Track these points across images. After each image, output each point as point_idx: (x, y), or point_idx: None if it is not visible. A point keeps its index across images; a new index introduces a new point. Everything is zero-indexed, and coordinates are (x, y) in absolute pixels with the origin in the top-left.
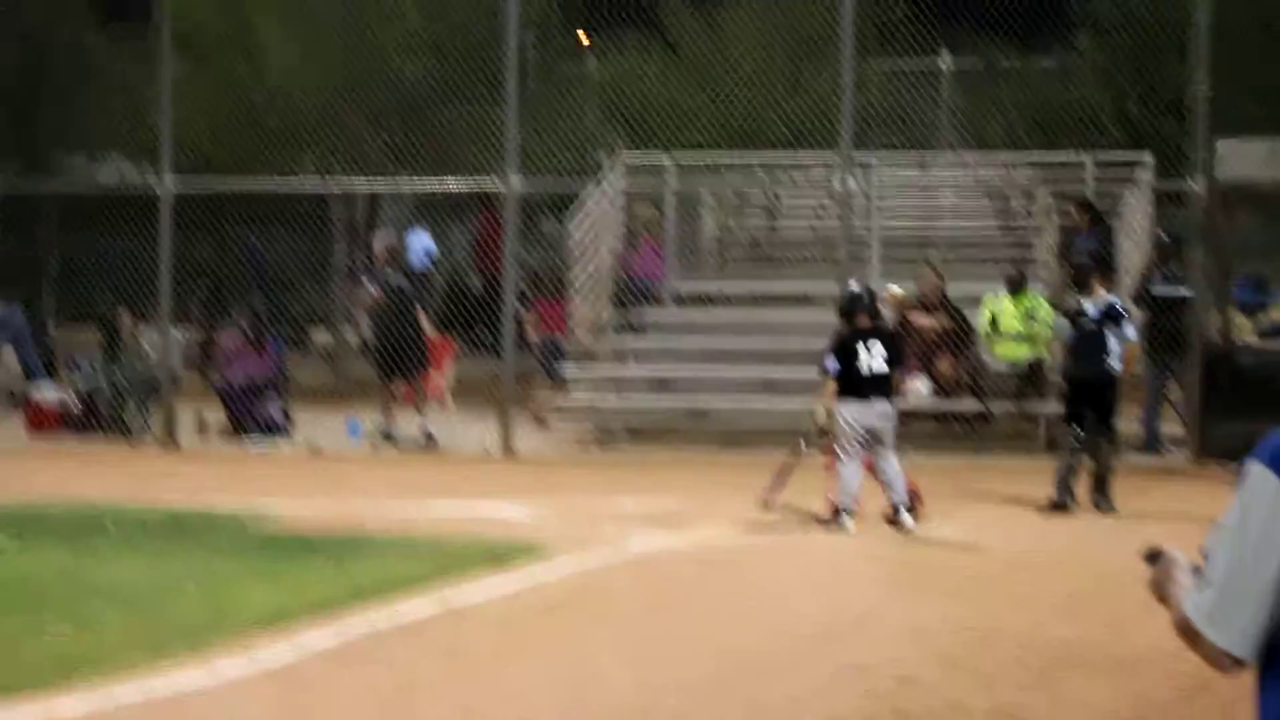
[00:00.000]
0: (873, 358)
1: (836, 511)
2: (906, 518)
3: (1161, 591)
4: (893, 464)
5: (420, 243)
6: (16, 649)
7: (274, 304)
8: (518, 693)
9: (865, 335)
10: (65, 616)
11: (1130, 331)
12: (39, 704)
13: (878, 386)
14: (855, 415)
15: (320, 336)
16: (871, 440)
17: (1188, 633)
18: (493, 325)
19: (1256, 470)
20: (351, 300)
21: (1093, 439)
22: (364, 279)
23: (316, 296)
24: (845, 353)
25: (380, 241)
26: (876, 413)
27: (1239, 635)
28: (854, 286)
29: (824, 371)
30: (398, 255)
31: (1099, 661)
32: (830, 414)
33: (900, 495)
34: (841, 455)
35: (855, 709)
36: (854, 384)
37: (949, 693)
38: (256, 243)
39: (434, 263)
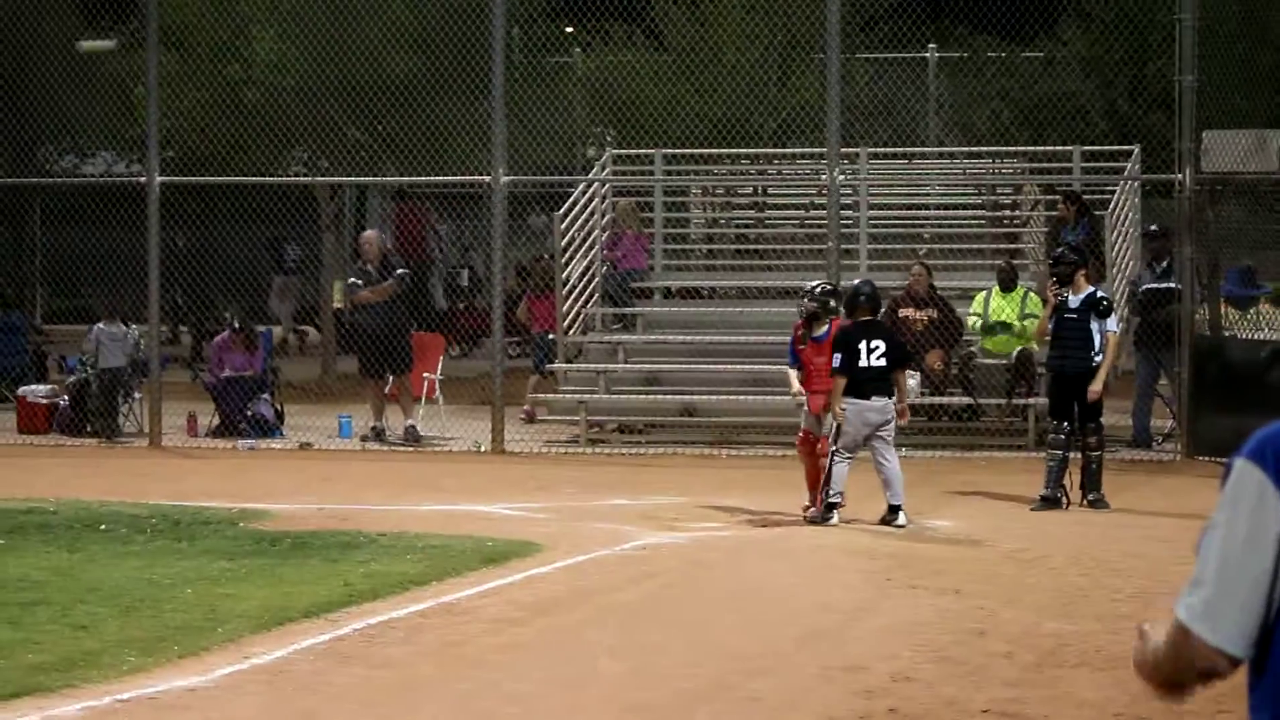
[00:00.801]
0: (873, 353)
1: (827, 506)
2: (902, 517)
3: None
4: (892, 462)
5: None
6: (13, 650)
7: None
8: (514, 692)
9: (867, 331)
10: (60, 617)
11: (1112, 324)
12: (36, 705)
13: (878, 383)
14: (856, 413)
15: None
16: (871, 438)
17: (1176, 648)
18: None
19: (1241, 466)
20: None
21: (1079, 433)
22: (352, 275)
23: (308, 291)
24: (847, 348)
25: (369, 236)
26: (877, 410)
27: (1233, 632)
28: (855, 282)
29: (830, 372)
30: (387, 252)
31: (1093, 657)
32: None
33: (897, 495)
34: (837, 452)
35: (851, 706)
36: (855, 381)
37: (944, 689)
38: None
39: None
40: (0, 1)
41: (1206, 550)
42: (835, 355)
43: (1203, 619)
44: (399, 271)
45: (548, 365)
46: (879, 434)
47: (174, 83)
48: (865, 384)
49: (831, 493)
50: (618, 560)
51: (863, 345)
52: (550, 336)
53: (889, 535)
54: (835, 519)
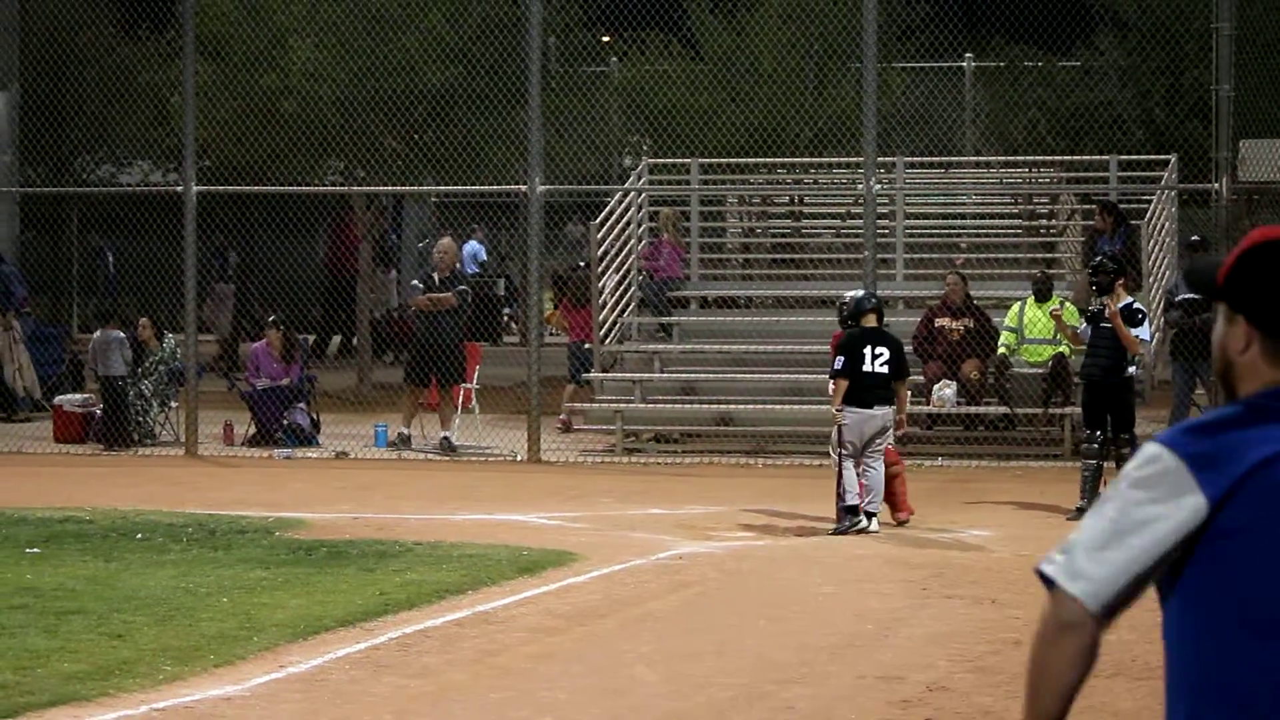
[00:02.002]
0: (877, 359)
1: (848, 510)
2: (874, 524)
3: None
4: (878, 470)
5: (469, 250)
6: (49, 659)
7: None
8: (550, 701)
9: (871, 337)
10: (96, 626)
11: (1144, 332)
12: (72, 714)
13: (878, 391)
14: (856, 421)
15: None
16: (867, 445)
17: (1042, 617)
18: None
19: (1151, 449)
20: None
21: (1114, 443)
22: (415, 281)
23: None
24: (850, 352)
25: (446, 245)
26: (879, 419)
27: (1094, 586)
28: (861, 290)
29: (832, 374)
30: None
31: (1129, 666)
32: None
33: (875, 503)
34: (836, 459)
35: (886, 716)
36: (857, 387)
37: (980, 699)
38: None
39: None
40: (37, 13)
41: (1086, 519)
42: (837, 358)
43: (1066, 571)
44: (461, 288)
45: (584, 375)
46: (875, 443)
47: (210, 92)
48: (867, 391)
49: (847, 498)
50: (653, 569)
51: (867, 351)
52: (586, 346)
53: (925, 545)
54: (863, 520)
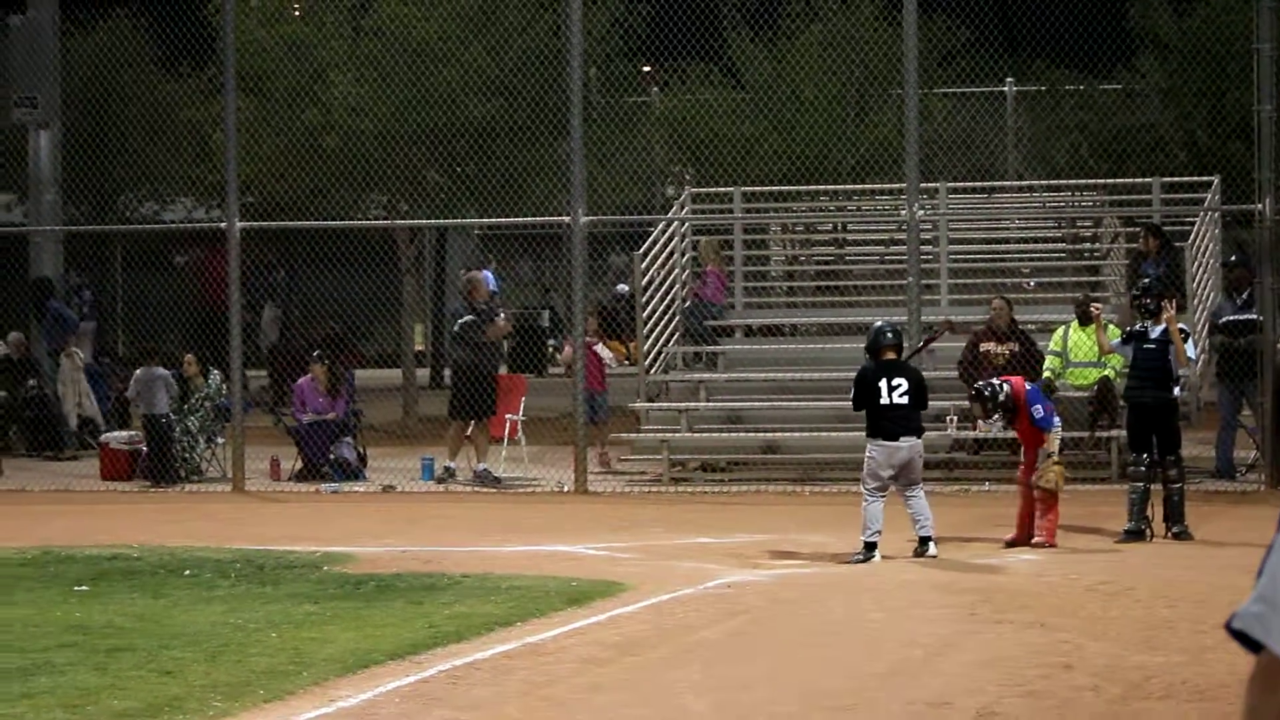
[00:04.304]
0: (895, 390)
1: (866, 546)
2: (932, 548)
3: None
4: (919, 499)
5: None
6: (99, 696)
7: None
8: None
9: (888, 370)
10: (146, 663)
11: (1191, 352)
12: None
13: (902, 422)
14: (880, 455)
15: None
16: (897, 478)
17: (1255, 677)
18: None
19: None
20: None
21: (1161, 465)
22: (465, 317)
23: (388, 333)
24: (865, 387)
25: (472, 279)
26: (904, 451)
27: None
28: (878, 322)
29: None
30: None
31: (1179, 689)
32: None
33: (926, 528)
34: (864, 491)
35: None
36: (878, 420)
37: None
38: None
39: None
40: (79, 51)
41: (1272, 567)
42: (853, 393)
43: (1264, 628)
44: (504, 313)
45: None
46: (906, 474)
47: (252, 128)
48: (890, 423)
49: (868, 532)
50: (702, 598)
51: (883, 384)
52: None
53: (973, 570)
54: (877, 557)
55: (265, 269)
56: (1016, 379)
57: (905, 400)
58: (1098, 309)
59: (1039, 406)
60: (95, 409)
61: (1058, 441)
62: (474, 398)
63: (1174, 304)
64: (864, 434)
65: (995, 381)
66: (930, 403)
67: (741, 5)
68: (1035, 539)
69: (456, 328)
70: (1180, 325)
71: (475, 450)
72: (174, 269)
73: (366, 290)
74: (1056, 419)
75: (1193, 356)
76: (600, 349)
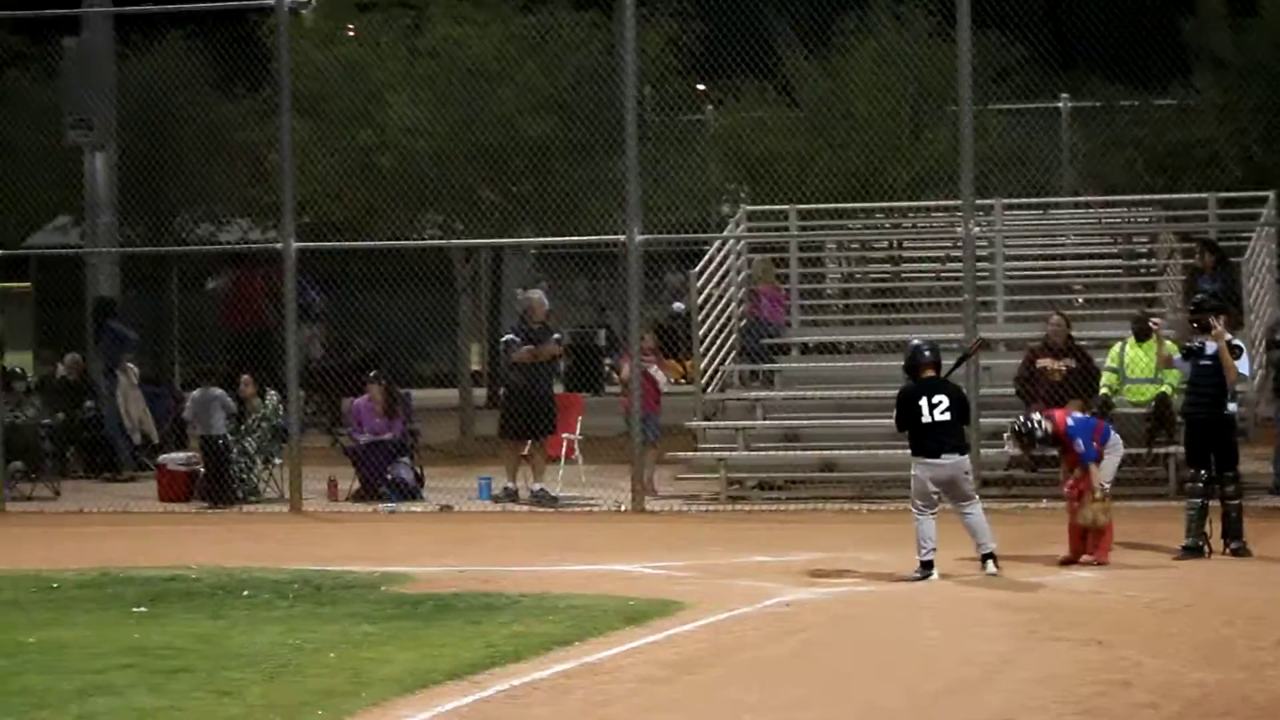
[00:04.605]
0: (936, 408)
1: (923, 565)
2: (991, 566)
3: None
4: (974, 513)
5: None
6: (157, 718)
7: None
8: None
9: (929, 388)
10: (204, 684)
11: (1244, 367)
12: None
13: (945, 439)
14: (924, 473)
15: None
16: (945, 495)
17: None
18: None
19: None
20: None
21: (1218, 481)
22: (511, 335)
23: (444, 354)
24: (907, 407)
25: (529, 299)
26: (947, 468)
27: None
28: (915, 341)
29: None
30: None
31: (1238, 707)
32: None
33: (986, 544)
34: (914, 510)
35: None
36: (921, 439)
37: None
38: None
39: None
40: (134, 73)
41: None
42: (895, 413)
43: None
44: (555, 336)
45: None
46: (954, 490)
47: (308, 149)
48: (933, 440)
49: (924, 550)
50: (760, 617)
51: (924, 401)
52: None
53: (1031, 588)
54: (934, 575)
55: (300, 290)
56: (1060, 412)
57: (947, 417)
58: (1157, 324)
59: (1080, 440)
60: (152, 426)
61: (1107, 474)
62: (522, 418)
63: (1223, 320)
64: None
65: (1036, 417)
66: (986, 420)
67: (796, 23)
68: (1086, 558)
69: (501, 347)
70: (1235, 341)
71: (532, 470)
72: (206, 295)
73: (423, 310)
74: (1112, 452)
75: (1246, 373)
76: (654, 370)
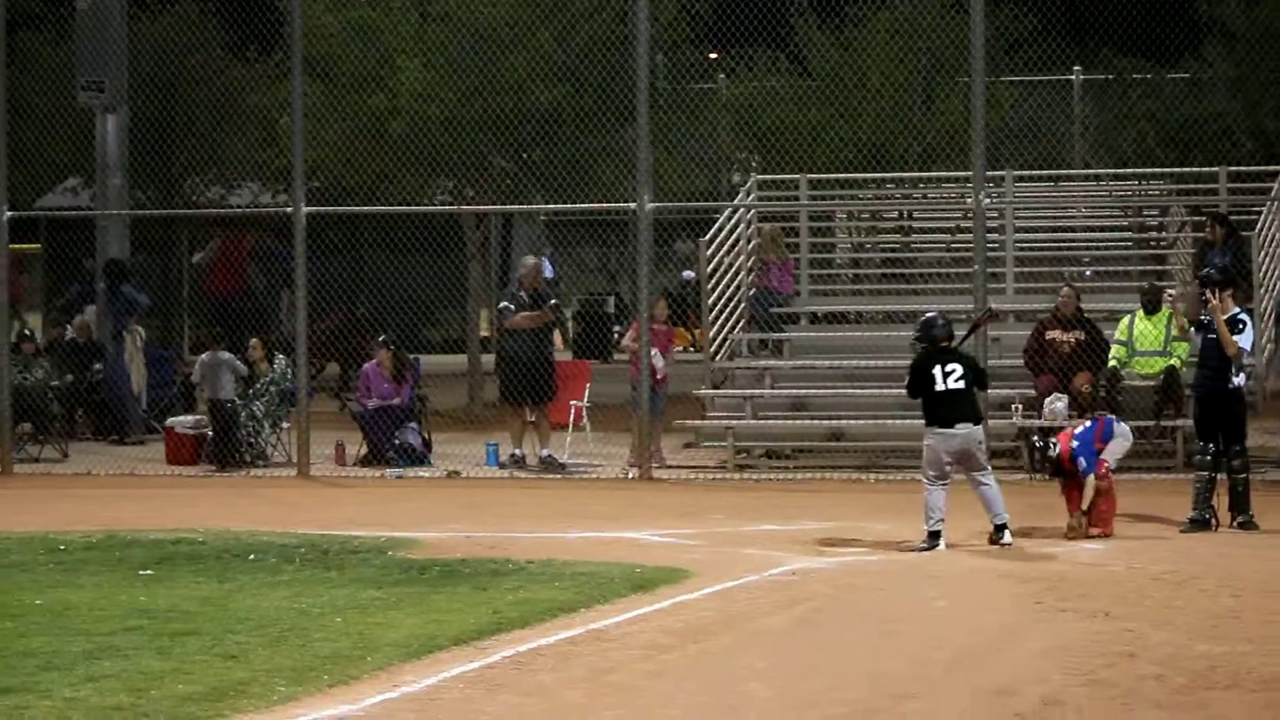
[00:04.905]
0: (949, 376)
1: (930, 535)
2: (1007, 536)
3: None
4: (988, 483)
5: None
6: (164, 680)
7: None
8: (665, 718)
9: (942, 357)
10: (210, 647)
11: (1245, 341)
12: None
13: (958, 409)
14: (937, 443)
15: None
16: (957, 465)
17: None
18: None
19: None
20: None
21: (1225, 454)
22: (505, 302)
23: (454, 320)
24: (917, 373)
25: (530, 263)
26: (960, 438)
27: None
28: (928, 314)
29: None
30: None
31: (1245, 679)
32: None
33: (1000, 515)
34: (924, 480)
35: None
36: (934, 407)
37: (1094, 712)
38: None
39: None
40: (146, 36)
41: None
42: (908, 380)
43: None
44: (552, 301)
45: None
46: (968, 460)
47: (319, 113)
48: (946, 409)
49: (931, 520)
50: (767, 585)
51: (937, 370)
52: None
53: (1038, 559)
54: (941, 545)
55: (280, 257)
56: (1064, 436)
57: (961, 385)
58: (1172, 296)
59: (1081, 459)
60: (143, 388)
61: (1112, 456)
62: (519, 384)
63: (1218, 294)
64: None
65: (1051, 440)
66: (994, 390)
67: None
68: (1093, 530)
69: (495, 314)
70: (1241, 315)
71: (538, 435)
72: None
73: (432, 276)
74: (1119, 438)
75: (1247, 347)
76: (655, 357)
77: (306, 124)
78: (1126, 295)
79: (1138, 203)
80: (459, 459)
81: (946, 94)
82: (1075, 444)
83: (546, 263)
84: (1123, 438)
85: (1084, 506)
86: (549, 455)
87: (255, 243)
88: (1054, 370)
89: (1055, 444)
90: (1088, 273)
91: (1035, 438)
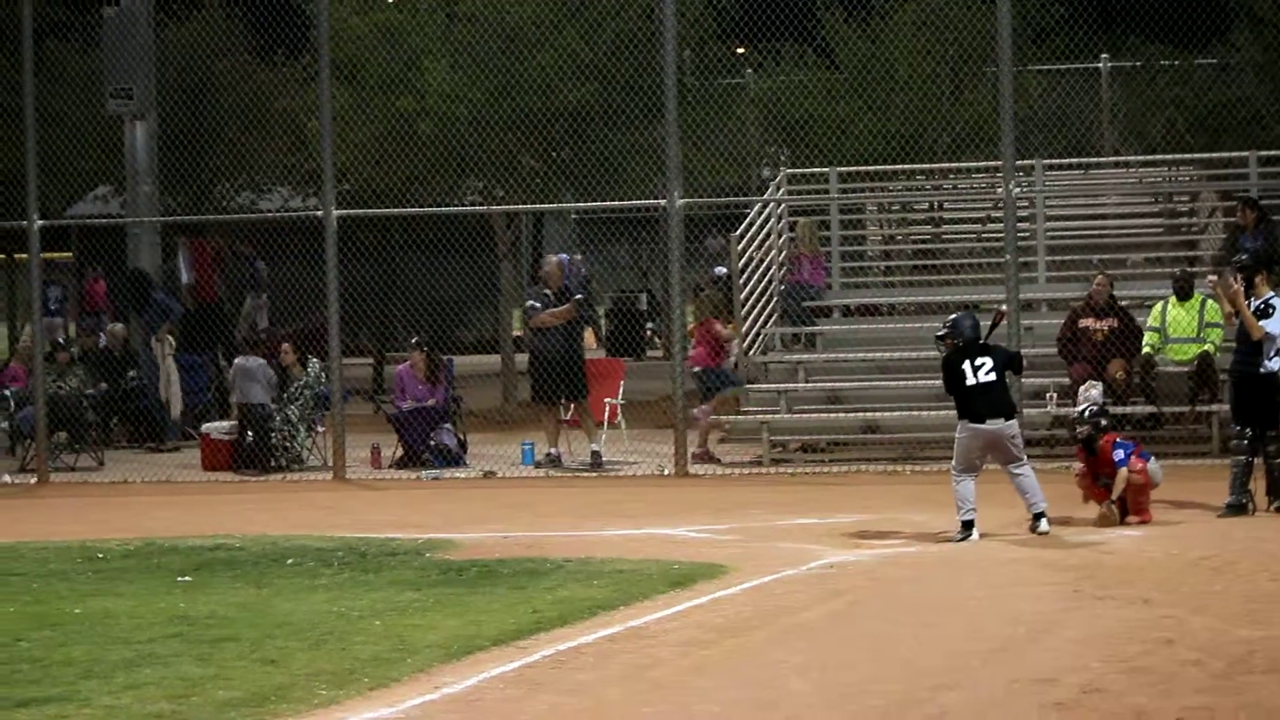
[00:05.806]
0: (980, 369)
1: (964, 525)
2: (1044, 524)
3: None
4: (1024, 473)
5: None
6: (204, 686)
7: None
8: (703, 714)
9: (970, 351)
10: (250, 652)
11: (1273, 326)
12: None
13: (990, 403)
14: (968, 437)
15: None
16: (992, 457)
17: None
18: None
19: None
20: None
21: (1261, 439)
22: (531, 300)
23: (486, 320)
24: (950, 370)
25: (552, 261)
26: (991, 433)
27: None
28: (954, 316)
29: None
30: (568, 277)
31: None
32: None
33: (1038, 503)
34: (953, 472)
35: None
36: (966, 402)
37: (1134, 700)
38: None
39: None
40: (173, 42)
41: None
42: (943, 376)
43: None
44: (577, 296)
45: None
46: (1001, 453)
47: (347, 116)
48: (977, 401)
49: (963, 511)
50: (804, 579)
51: (966, 365)
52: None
53: (1075, 547)
54: (975, 535)
55: (244, 260)
56: (1109, 435)
57: (992, 377)
58: (1213, 281)
59: (1120, 451)
60: (179, 395)
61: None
62: (550, 381)
63: (1240, 278)
64: None
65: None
66: (1029, 379)
67: None
68: (1132, 519)
69: (523, 314)
70: (1274, 299)
71: (585, 432)
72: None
73: (464, 277)
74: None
75: (1275, 331)
76: (719, 327)
77: (335, 127)
78: (1158, 282)
79: (1168, 189)
80: (494, 459)
81: (974, 84)
82: (1121, 453)
83: (579, 259)
84: (1158, 470)
85: (1114, 496)
86: (596, 451)
87: (218, 247)
88: (1088, 359)
89: (1099, 430)
90: (1129, 260)
91: (1079, 428)
